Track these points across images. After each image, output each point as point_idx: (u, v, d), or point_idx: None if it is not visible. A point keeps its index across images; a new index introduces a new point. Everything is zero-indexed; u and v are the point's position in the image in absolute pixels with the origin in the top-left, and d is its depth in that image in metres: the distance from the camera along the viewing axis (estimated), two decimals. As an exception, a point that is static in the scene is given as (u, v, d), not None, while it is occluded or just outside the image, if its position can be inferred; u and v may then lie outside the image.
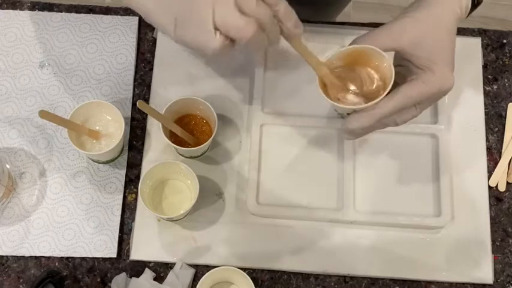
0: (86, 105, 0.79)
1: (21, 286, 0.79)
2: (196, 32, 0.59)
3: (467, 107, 0.87)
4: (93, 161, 0.83)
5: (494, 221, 0.83)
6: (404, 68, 0.68)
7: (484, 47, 0.91)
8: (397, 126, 0.69)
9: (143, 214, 0.82)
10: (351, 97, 0.69)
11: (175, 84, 0.87)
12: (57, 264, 0.80)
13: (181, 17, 0.59)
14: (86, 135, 0.79)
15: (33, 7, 0.90)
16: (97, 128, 0.81)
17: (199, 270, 0.80)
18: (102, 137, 0.80)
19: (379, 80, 0.69)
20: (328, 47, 0.88)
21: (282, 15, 0.61)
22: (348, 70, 0.70)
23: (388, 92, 0.65)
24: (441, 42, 0.65)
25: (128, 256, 0.81)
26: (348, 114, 0.70)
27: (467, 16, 0.70)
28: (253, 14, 0.58)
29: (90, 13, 0.90)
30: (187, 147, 0.79)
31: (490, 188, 0.84)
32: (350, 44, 0.68)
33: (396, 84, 0.66)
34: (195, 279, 0.80)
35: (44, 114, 0.73)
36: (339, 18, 1.12)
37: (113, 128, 0.80)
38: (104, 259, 0.80)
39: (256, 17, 0.59)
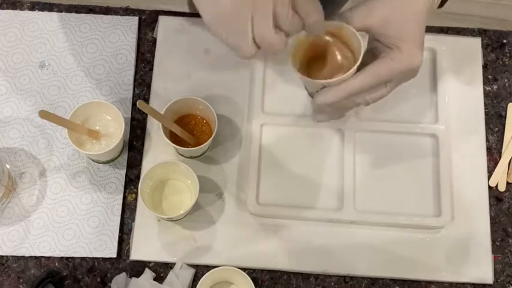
0: (86, 105, 0.79)
1: (21, 286, 0.79)
2: (234, 37, 0.62)
3: (467, 107, 0.87)
4: (93, 161, 0.83)
5: (494, 221, 0.83)
6: (375, 49, 0.69)
7: (484, 47, 0.91)
8: (368, 105, 0.70)
9: (143, 214, 0.82)
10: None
11: (175, 84, 0.87)
12: (57, 264, 0.80)
13: (223, 14, 0.61)
14: (86, 135, 0.79)
15: (33, 7, 0.90)
16: (97, 128, 0.81)
17: (199, 270, 0.80)
18: (102, 137, 0.80)
19: (350, 56, 0.70)
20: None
21: (311, 26, 0.63)
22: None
23: (359, 69, 0.67)
24: (409, 22, 0.67)
25: (128, 256, 0.81)
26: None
27: (441, 6, 0.71)
28: (287, 29, 0.62)
29: (90, 13, 0.90)
30: (187, 147, 0.79)
31: (490, 188, 0.84)
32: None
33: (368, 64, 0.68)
34: (195, 279, 0.80)
35: (43, 114, 0.73)
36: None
37: (113, 128, 0.81)
38: (104, 259, 0.80)
39: (289, 30, 0.62)
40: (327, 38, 0.70)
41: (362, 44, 0.67)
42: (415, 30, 0.67)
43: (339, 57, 0.71)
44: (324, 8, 0.63)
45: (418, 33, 0.67)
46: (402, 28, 0.66)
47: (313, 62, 0.72)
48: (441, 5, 0.71)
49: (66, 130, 0.77)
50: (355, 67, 0.66)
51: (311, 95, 0.73)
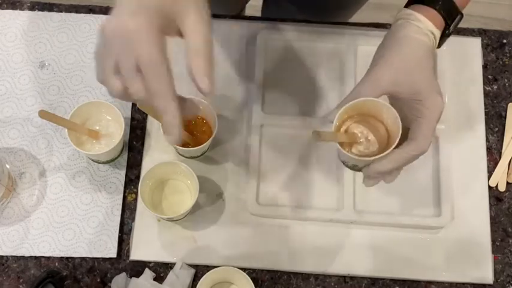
0: (86, 105, 0.79)
1: (21, 286, 0.79)
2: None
3: (467, 107, 0.87)
4: (93, 161, 0.83)
5: (494, 221, 0.83)
6: (403, 112, 0.68)
7: (484, 47, 0.91)
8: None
9: (143, 214, 0.82)
10: (360, 148, 0.69)
11: (175, 84, 0.87)
12: (57, 264, 0.80)
13: None
14: (85, 135, 0.79)
15: (33, 7, 0.90)
16: (97, 128, 0.81)
17: (199, 270, 0.80)
18: (102, 137, 0.80)
19: (385, 130, 0.68)
20: (326, 46, 0.88)
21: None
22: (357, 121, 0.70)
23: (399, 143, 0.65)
24: (417, 74, 0.65)
25: (128, 256, 0.81)
26: (354, 165, 0.70)
27: (439, 46, 0.70)
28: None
29: (90, 13, 0.90)
30: (187, 147, 0.79)
31: (490, 188, 0.84)
32: (346, 99, 0.68)
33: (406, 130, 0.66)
34: (195, 279, 0.80)
35: (43, 114, 0.73)
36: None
37: (113, 128, 0.80)
38: (104, 259, 0.80)
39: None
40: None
41: (399, 120, 0.65)
42: (427, 78, 0.65)
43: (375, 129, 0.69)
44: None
45: (429, 80, 0.65)
46: (415, 82, 0.65)
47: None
48: (438, 45, 0.70)
49: (66, 130, 0.77)
50: (394, 145, 0.64)
51: (348, 166, 0.72)
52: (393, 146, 0.65)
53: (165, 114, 0.58)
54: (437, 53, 0.79)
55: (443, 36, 0.69)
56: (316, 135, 0.63)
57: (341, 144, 0.67)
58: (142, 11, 0.54)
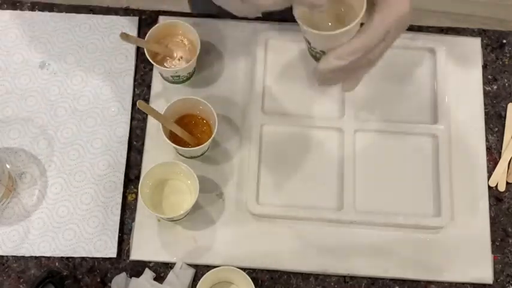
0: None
1: (21, 286, 0.79)
2: None
3: (467, 107, 0.87)
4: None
5: (494, 221, 0.83)
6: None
7: (484, 47, 0.91)
8: (371, 63, 0.67)
9: (143, 214, 0.82)
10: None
11: (175, 84, 0.87)
12: (57, 264, 0.80)
13: None
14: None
15: (33, 7, 0.90)
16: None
17: (199, 270, 0.80)
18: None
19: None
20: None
21: None
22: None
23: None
24: None
25: (128, 256, 0.81)
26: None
27: None
28: None
29: (90, 13, 0.90)
30: (187, 147, 0.79)
31: (490, 188, 0.84)
32: None
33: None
34: (195, 279, 0.80)
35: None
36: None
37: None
38: (104, 259, 0.80)
39: None
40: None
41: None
42: None
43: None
44: None
45: None
46: None
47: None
48: None
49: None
50: (358, 19, 0.62)
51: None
52: (359, 17, 0.61)
53: None
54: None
55: None
56: (125, 36, 0.70)
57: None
58: None
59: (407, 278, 0.81)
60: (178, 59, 0.84)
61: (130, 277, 0.79)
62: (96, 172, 0.83)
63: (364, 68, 0.68)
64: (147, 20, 0.91)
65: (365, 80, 0.70)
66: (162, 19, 0.90)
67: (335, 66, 0.65)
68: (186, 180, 0.80)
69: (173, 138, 0.80)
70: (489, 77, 0.90)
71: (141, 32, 0.90)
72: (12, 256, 0.80)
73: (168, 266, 0.80)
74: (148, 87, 0.87)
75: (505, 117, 0.88)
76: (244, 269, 0.77)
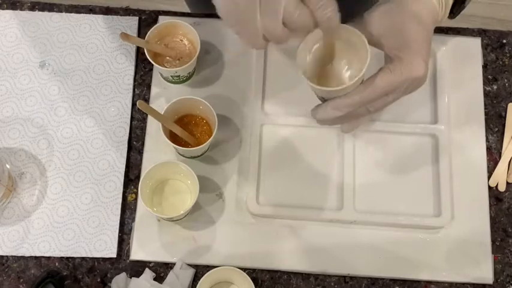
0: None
1: (21, 286, 0.79)
2: (244, 31, 0.60)
3: (467, 107, 0.87)
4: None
5: (494, 221, 0.83)
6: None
7: (484, 47, 0.91)
8: (371, 113, 0.68)
9: (143, 214, 0.82)
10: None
11: (175, 84, 0.87)
12: (57, 264, 0.80)
13: (233, 10, 0.59)
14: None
15: (33, 7, 0.90)
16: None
17: (199, 270, 0.80)
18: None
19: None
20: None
21: (323, 23, 0.59)
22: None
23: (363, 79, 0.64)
24: (410, 32, 0.64)
25: (128, 256, 0.81)
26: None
27: (456, 15, 0.69)
28: (294, 25, 0.58)
29: (90, 13, 0.90)
30: (187, 147, 0.79)
31: (490, 188, 0.84)
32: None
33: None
34: (195, 279, 0.80)
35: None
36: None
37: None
38: (104, 259, 0.80)
39: (297, 26, 0.59)
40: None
41: (369, 53, 0.63)
42: (418, 40, 0.64)
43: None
44: (351, 8, 0.62)
45: (420, 43, 0.64)
46: (402, 38, 0.63)
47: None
48: (453, 14, 0.68)
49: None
50: (360, 75, 0.63)
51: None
52: (362, 73, 0.62)
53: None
54: (442, 20, 0.72)
55: (458, 4, 0.66)
56: (125, 36, 0.71)
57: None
58: None
59: (407, 278, 0.81)
60: (178, 59, 0.84)
61: (131, 277, 0.79)
62: (96, 172, 0.83)
63: (364, 115, 0.69)
64: (147, 20, 0.91)
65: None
66: (162, 19, 0.90)
67: (332, 116, 0.66)
68: (186, 180, 0.80)
69: (173, 138, 0.80)
70: (489, 77, 0.90)
71: (141, 32, 0.90)
72: (12, 256, 0.80)
73: (168, 266, 0.80)
74: (148, 87, 0.87)
75: (505, 117, 0.88)
76: (244, 269, 0.77)
